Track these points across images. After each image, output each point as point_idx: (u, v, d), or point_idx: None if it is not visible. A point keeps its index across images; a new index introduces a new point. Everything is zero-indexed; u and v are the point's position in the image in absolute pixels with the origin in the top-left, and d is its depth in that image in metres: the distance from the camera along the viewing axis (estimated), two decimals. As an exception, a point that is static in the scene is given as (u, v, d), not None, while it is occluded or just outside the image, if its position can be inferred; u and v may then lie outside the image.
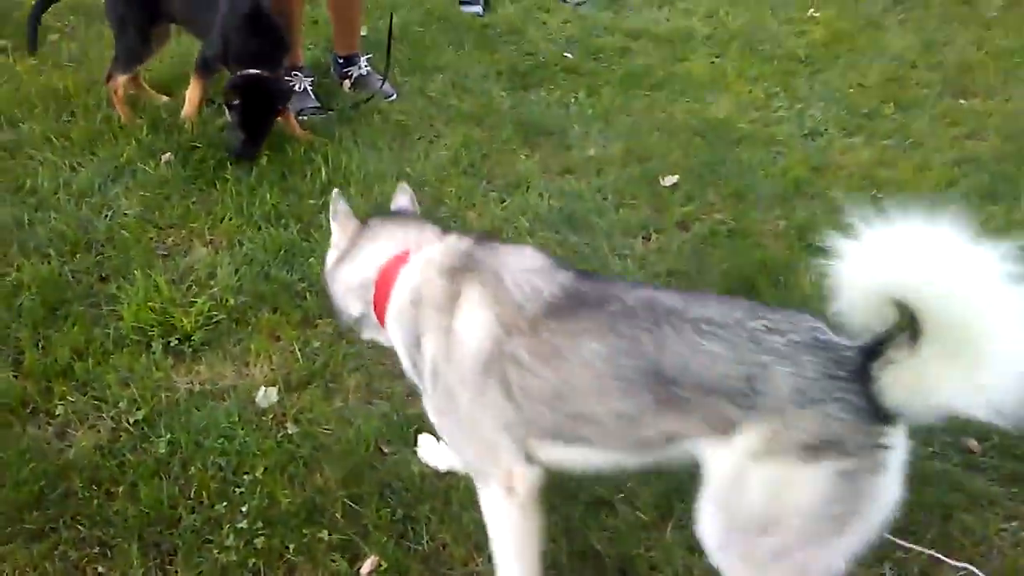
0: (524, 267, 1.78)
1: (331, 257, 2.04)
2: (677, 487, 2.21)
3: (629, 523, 2.13)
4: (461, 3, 4.96)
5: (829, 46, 4.70)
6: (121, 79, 3.49)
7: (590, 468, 1.83)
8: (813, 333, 1.58)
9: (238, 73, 3.27)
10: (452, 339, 1.76)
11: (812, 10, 5.08)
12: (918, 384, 1.48)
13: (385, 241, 1.94)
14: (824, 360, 1.54)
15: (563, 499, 2.17)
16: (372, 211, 2.21)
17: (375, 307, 1.91)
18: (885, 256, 1.43)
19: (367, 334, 2.05)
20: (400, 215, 2.07)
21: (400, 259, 1.88)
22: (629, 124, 3.86)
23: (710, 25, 4.87)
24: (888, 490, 1.57)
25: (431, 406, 1.86)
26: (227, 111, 3.32)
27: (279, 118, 3.50)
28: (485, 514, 1.85)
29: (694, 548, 2.07)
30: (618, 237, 3.11)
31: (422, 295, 1.81)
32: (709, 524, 1.66)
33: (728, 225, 3.23)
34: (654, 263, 3.00)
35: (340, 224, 2.03)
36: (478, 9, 4.92)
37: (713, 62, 4.50)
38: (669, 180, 3.46)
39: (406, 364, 1.90)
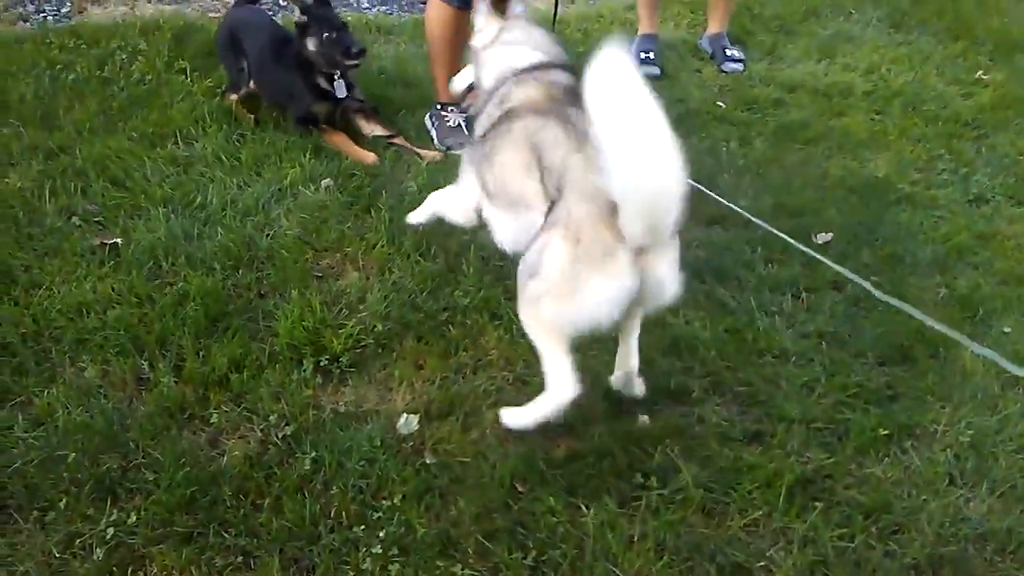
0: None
1: (481, 37, 2.78)
2: (823, 560, 2.13)
3: (769, 593, 2.06)
4: (641, 63, 4.75)
5: (998, 110, 4.49)
6: (232, 97, 4.02)
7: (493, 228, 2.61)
8: None
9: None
10: None
11: (981, 72, 4.87)
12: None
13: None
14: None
15: (700, 559, 2.11)
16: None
17: None
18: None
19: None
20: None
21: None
22: (782, 177, 3.77)
23: (871, 81, 4.73)
24: (601, 291, 2.11)
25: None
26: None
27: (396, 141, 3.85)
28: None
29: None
30: (767, 293, 3.03)
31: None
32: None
33: (884, 289, 3.10)
34: (804, 322, 2.91)
35: (485, 15, 2.76)
36: (655, 71, 4.75)
37: (873, 119, 4.37)
38: (822, 237, 3.36)
39: None
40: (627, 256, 2.09)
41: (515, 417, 2.37)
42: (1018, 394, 2.69)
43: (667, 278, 2.18)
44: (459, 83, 3.01)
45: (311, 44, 3.78)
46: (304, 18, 3.77)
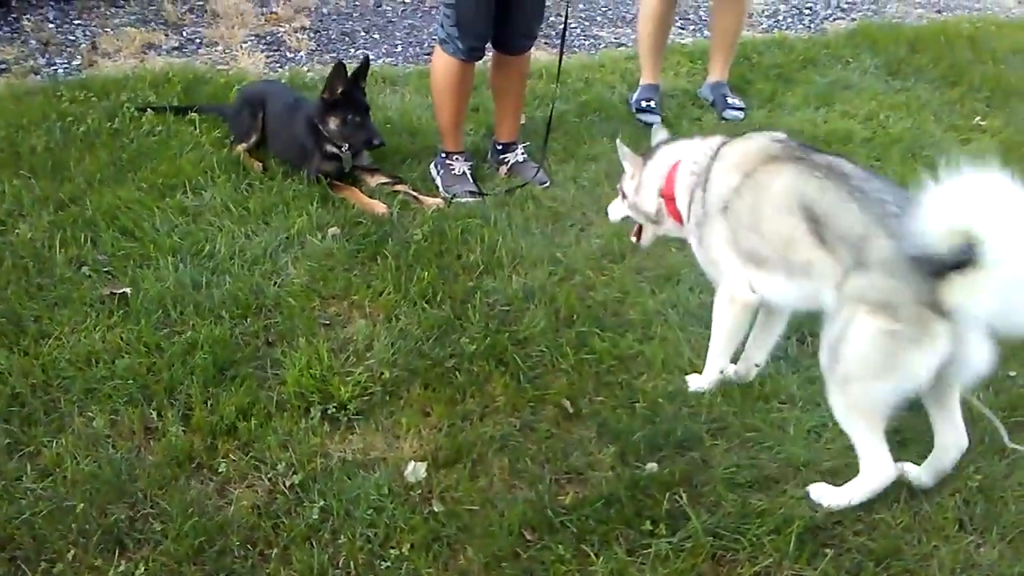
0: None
1: (631, 183, 2.95)
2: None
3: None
4: (637, 111, 4.88)
5: (996, 156, 4.52)
6: (240, 147, 4.09)
7: (771, 297, 2.57)
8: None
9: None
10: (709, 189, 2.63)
11: (979, 118, 4.93)
12: (971, 294, 2.01)
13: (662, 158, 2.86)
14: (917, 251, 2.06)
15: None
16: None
17: (665, 198, 2.81)
18: (959, 198, 1.95)
19: (657, 228, 2.96)
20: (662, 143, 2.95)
21: (675, 166, 2.77)
22: (784, 224, 3.80)
23: (869, 128, 4.78)
24: (920, 363, 2.12)
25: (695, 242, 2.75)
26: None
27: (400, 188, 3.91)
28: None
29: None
30: (772, 339, 3.04)
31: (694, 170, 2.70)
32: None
33: (891, 333, 3.11)
34: (810, 367, 2.90)
35: (630, 160, 2.95)
36: (656, 119, 4.76)
37: (873, 166, 4.40)
38: (826, 283, 3.38)
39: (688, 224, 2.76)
40: (945, 328, 2.08)
41: (831, 497, 2.37)
42: (1026, 438, 2.69)
43: (984, 346, 2.12)
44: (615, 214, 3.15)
45: (332, 123, 3.85)
46: (338, 95, 3.83)
